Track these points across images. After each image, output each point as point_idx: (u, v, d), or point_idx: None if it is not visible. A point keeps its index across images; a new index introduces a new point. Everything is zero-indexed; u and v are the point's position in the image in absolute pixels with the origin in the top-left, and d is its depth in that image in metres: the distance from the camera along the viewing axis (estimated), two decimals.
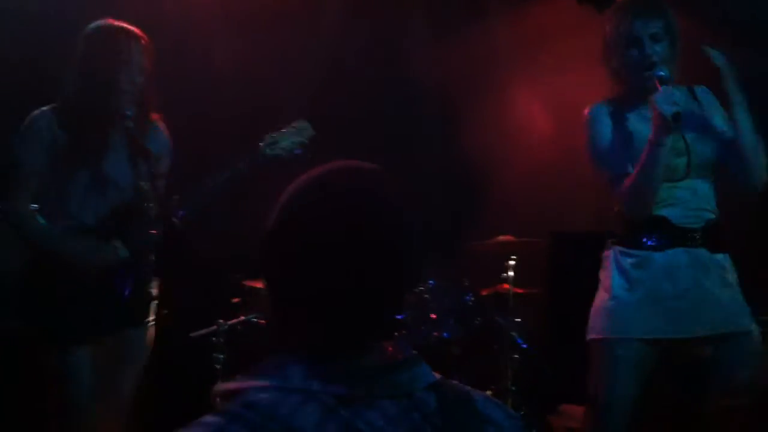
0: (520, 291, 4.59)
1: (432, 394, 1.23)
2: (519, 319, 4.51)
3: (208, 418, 1.15)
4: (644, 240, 2.77)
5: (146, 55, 3.01)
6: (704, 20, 3.06)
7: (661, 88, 2.66)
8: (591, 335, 2.83)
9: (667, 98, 2.63)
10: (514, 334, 4.42)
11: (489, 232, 4.62)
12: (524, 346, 4.41)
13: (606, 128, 2.85)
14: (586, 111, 2.92)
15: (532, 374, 4.49)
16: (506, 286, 4.57)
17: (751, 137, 2.76)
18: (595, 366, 2.80)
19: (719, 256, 2.79)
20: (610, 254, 2.86)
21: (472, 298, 4.47)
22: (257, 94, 4.76)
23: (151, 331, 3.13)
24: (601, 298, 2.84)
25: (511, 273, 4.57)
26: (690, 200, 2.77)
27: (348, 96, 5.03)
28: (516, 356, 4.43)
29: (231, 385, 1.20)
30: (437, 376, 1.27)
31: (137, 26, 3.06)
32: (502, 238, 4.56)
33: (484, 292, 4.60)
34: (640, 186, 2.70)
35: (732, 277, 2.80)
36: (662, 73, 2.69)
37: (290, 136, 3.24)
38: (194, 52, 4.67)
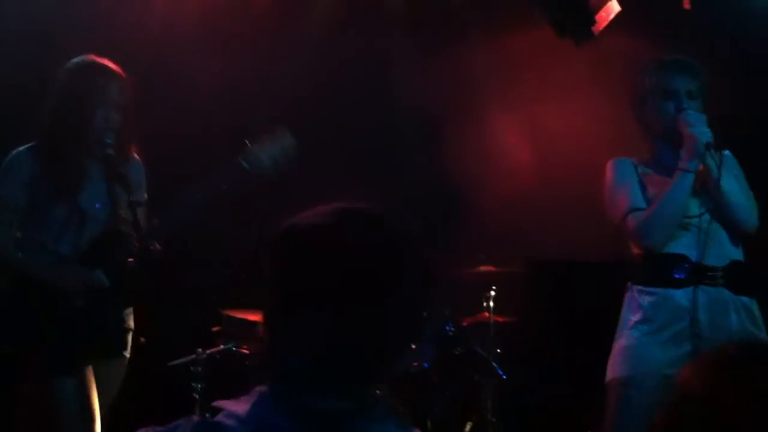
0: (500, 320, 4.59)
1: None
2: (499, 349, 4.51)
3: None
4: (665, 278, 2.75)
5: (124, 92, 3.04)
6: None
7: (691, 114, 2.69)
8: (609, 376, 2.80)
9: (700, 121, 2.66)
10: (494, 364, 4.41)
11: (469, 261, 4.62)
12: (504, 376, 4.39)
13: (629, 172, 2.86)
14: (609, 162, 2.93)
15: (512, 405, 4.48)
16: (486, 315, 4.57)
17: (736, 199, 2.79)
18: (612, 408, 2.76)
19: (744, 299, 2.78)
20: (629, 295, 2.84)
21: (453, 328, 4.46)
22: (238, 112, 4.76)
23: (125, 363, 3.13)
24: (620, 338, 2.81)
25: (491, 303, 4.57)
26: (714, 237, 2.76)
27: (328, 117, 5.04)
28: (496, 386, 4.41)
29: (218, 403, 1.22)
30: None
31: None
32: (482, 267, 4.57)
33: (465, 322, 4.59)
34: (664, 213, 2.71)
35: (757, 323, 2.78)
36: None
37: (270, 149, 3.16)
38: (175, 68, 4.67)
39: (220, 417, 1.20)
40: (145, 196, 3.20)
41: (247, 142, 3.16)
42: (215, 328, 4.27)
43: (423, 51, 5.29)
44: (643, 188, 2.83)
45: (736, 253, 2.79)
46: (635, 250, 2.84)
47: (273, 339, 1.26)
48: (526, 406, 4.55)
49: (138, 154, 3.22)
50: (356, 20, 5.15)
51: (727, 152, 2.85)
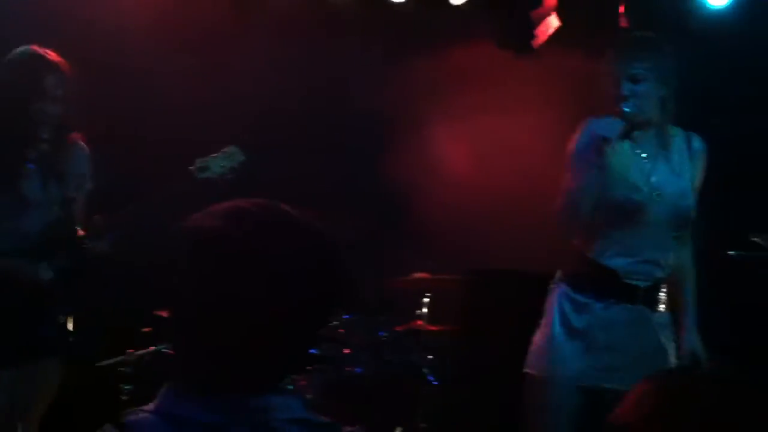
0: (434, 328, 4.61)
1: (294, 428, 1.23)
2: (432, 357, 4.53)
3: None
4: (588, 289, 2.81)
5: (64, 84, 3.00)
6: None
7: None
8: (527, 368, 2.86)
9: (606, 124, 2.71)
10: (426, 371, 4.43)
11: (405, 268, 4.64)
12: (436, 383, 4.42)
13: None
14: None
15: (443, 411, 4.50)
16: (420, 322, 4.59)
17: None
18: (529, 401, 2.82)
19: (658, 315, 2.85)
20: (555, 291, 2.90)
21: (387, 334, 4.47)
22: (194, 116, 4.72)
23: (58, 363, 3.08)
24: (541, 334, 2.87)
25: (425, 310, 4.59)
26: (648, 251, 2.81)
27: (274, 122, 5.02)
28: (427, 393, 4.44)
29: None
30: (313, 415, 1.27)
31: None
32: (418, 274, 4.59)
33: (399, 328, 4.61)
34: (576, 204, 2.75)
35: (669, 336, 2.86)
36: (626, 109, 2.76)
37: (220, 161, 3.26)
38: (131, 72, 4.63)
39: (128, 418, 1.22)
40: (89, 185, 3.17)
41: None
42: (146, 329, 4.21)
43: (370, 60, 5.31)
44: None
45: (666, 268, 2.86)
46: (574, 241, 2.88)
47: (177, 340, 1.27)
48: (456, 413, 4.58)
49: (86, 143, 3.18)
50: (307, 26, 5.15)
51: (696, 143, 2.93)
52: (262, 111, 4.94)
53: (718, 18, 4.90)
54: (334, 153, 5.21)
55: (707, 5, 4.84)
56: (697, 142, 2.95)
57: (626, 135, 2.74)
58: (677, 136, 2.92)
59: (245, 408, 1.22)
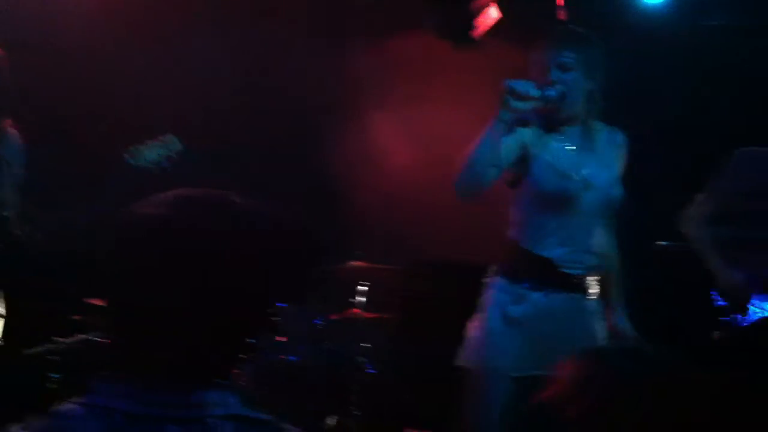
0: (370, 316, 4.61)
1: (230, 425, 1.21)
2: (367, 345, 4.53)
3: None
4: (526, 279, 2.84)
5: None
6: None
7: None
8: (462, 361, 2.87)
9: (522, 83, 2.72)
10: (361, 359, 4.43)
11: (343, 257, 4.63)
12: (371, 371, 4.42)
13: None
14: None
15: (377, 399, 4.51)
16: (356, 311, 4.58)
17: None
18: (467, 394, 2.83)
19: (592, 302, 2.90)
20: (491, 283, 2.91)
21: (322, 322, 4.45)
22: (130, 104, 4.64)
23: None
24: (478, 327, 2.88)
25: (362, 298, 4.59)
26: (581, 240, 2.86)
27: (213, 110, 4.97)
28: (362, 381, 4.44)
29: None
30: (249, 411, 1.25)
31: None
32: (355, 263, 4.58)
33: (335, 317, 4.60)
34: (470, 162, 2.75)
35: (601, 322, 2.91)
36: (551, 92, 2.79)
37: (155, 149, 3.21)
38: (65, 60, 4.53)
39: (57, 409, 1.20)
40: (21, 173, 3.09)
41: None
42: (76, 317, 4.12)
43: (309, 48, 5.27)
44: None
45: (600, 256, 2.90)
46: (508, 233, 2.91)
47: (114, 329, 1.25)
48: (391, 401, 4.59)
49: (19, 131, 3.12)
50: (245, 15, 5.09)
51: (618, 137, 2.99)
52: (198, 99, 4.88)
53: (654, 13, 4.98)
54: (271, 142, 5.17)
55: (643, 0, 4.92)
56: (620, 137, 3.04)
57: (551, 122, 2.79)
58: (601, 131, 2.98)
59: (181, 403, 1.19)
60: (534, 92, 2.73)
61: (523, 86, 2.72)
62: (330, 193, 5.17)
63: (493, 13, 4.65)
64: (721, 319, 3.49)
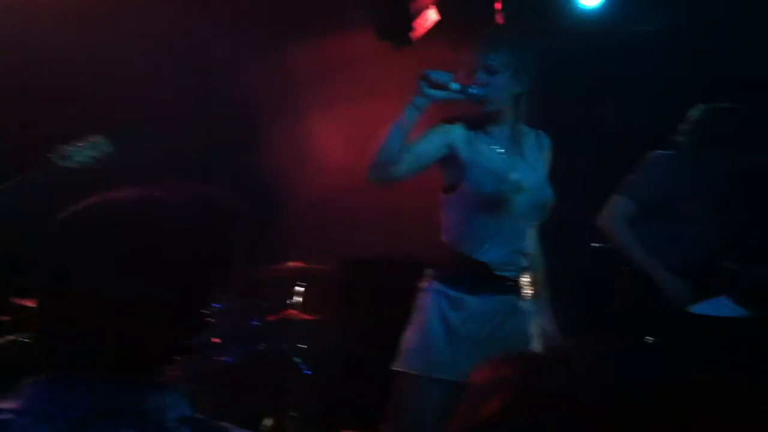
0: (307, 317, 4.59)
1: (187, 428, 1.19)
2: (304, 346, 4.51)
3: None
4: (462, 283, 2.85)
5: None
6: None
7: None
8: (400, 367, 2.85)
9: (440, 73, 2.76)
10: (298, 360, 4.40)
11: (279, 257, 4.60)
12: (307, 372, 4.40)
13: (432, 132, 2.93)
14: None
15: (313, 400, 4.49)
16: (293, 311, 4.56)
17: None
18: (400, 399, 2.82)
19: (526, 303, 2.92)
20: (428, 288, 2.91)
21: (258, 323, 4.42)
22: (61, 104, 4.53)
23: None
24: (414, 331, 2.87)
25: (299, 298, 4.56)
26: (514, 242, 2.88)
27: (148, 108, 4.88)
28: (299, 382, 4.41)
29: None
30: (198, 414, 1.23)
31: None
32: (292, 263, 4.55)
33: (271, 317, 4.56)
34: (383, 146, 2.77)
35: (535, 324, 2.94)
36: (474, 91, 2.82)
37: (84, 150, 3.15)
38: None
39: None
40: None
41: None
42: (4, 318, 4.02)
43: (248, 47, 5.22)
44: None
45: (531, 258, 2.94)
46: (442, 237, 2.92)
47: (44, 328, 1.21)
48: (328, 403, 4.57)
49: None
50: (183, 12, 5.02)
51: (544, 140, 3.03)
52: (136, 98, 4.80)
53: (590, 17, 5.05)
54: (208, 141, 5.11)
55: (579, 5, 4.99)
56: (546, 140, 3.08)
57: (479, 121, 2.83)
58: (529, 134, 3.02)
59: (137, 403, 1.17)
60: (454, 86, 2.78)
61: (440, 76, 2.76)
62: (268, 193, 5.13)
63: (432, 15, 4.68)
64: (656, 319, 3.60)
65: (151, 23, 4.95)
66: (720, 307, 3.52)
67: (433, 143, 2.87)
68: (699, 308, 3.52)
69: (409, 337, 2.88)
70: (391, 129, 2.76)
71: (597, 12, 5.03)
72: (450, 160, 2.90)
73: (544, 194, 2.95)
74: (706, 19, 4.94)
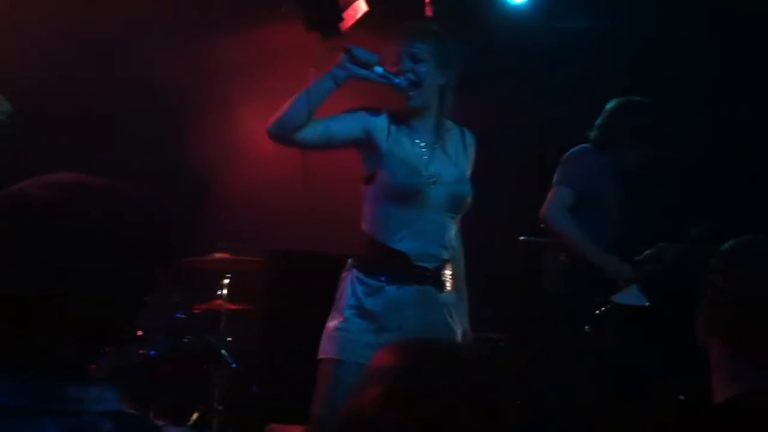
0: (234, 308, 4.55)
1: (109, 422, 1.17)
2: (230, 338, 4.47)
3: None
4: (381, 272, 2.86)
5: None
6: None
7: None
8: (320, 355, 2.86)
9: (365, 52, 2.78)
10: (224, 352, 4.36)
11: (205, 248, 4.55)
12: (234, 365, 4.36)
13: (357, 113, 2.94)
14: None
15: (240, 393, 4.46)
16: (219, 303, 4.51)
17: None
18: (320, 386, 2.83)
19: (446, 295, 2.94)
20: (347, 276, 2.92)
21: (183, 315, 4.36)
22: None
23: None
24: (333, 319, 2.88)
25: (225, 291, 4.52)
26: (433, 234, 2.89)
27: (71, 96, 4.78)
28: (225, 375, 4.37)
29: None
30: (128, 409, 1.21)
31: None
32: (217, 255, 4.51)
33: (197, 310, 4.51)
34: (292, 105, 2.77)
35: (456, 316, 2.96)
36: (398, 80, 2.83)
37: None
38: None
39: None
40: None
41: None
42: None
43: (176, 37, 5.15)
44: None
45: (451, 250, 2.96)
46: (363, 226, 2.93)
47: None
48: (254, 395, 4.55)
49: None
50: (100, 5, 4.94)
51: (468, 138, 3.05)
52: (59, 86, 4.70)
53: (517, 13, 5.12)
54: (134, 132, 5.03)
55: (507, 1, 5.05)
56: (470, 137, 3.10)
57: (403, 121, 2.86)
58: (452, 130, 3.05)
59: (58, 396, 1.14)
60: (378, 69, 2.80)
61: (364, 54, 2.79)
62: (194, 184, 5.08)
63: (361, 7, 4.67)
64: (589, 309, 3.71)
65: (74, 12, 4.84)
66: (632, 296, 3.65)
67: (348, 122, 2.88)
68: (620, 298, 3.63)
69: (328, 325, 2.89)
70: (302, 92, 2.76)
71: (524, 8, 5.11)
72: (368, 149, 2.92)
73: (461, 189, 2.97)
74: (630, 18, 5.06)
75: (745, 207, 4.55)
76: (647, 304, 3.63)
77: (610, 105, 3.84)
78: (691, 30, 4.98)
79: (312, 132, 2.81)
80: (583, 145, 3.85)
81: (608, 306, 3.61)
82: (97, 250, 1.17)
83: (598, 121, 3.83)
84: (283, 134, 2.81)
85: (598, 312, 3.61)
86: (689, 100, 4.80)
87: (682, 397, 3.46)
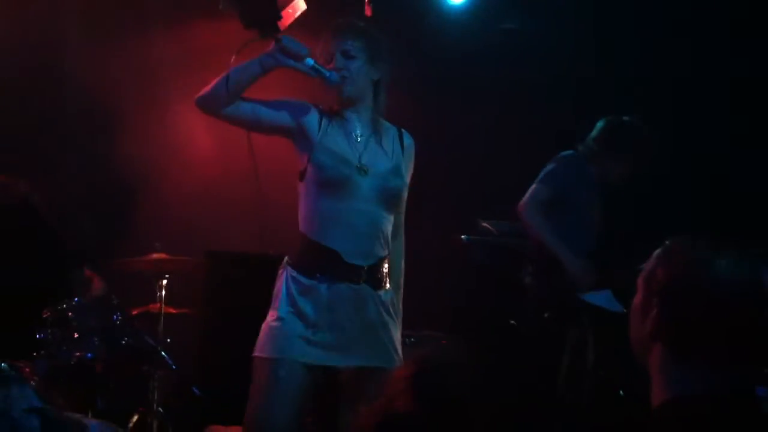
0: (172, 311, 4.50)
1: (36, 418, 1.16)
2: (170, 339, 4.42)
3: None
4: (314, 271, 2.85)
5: None
6: None
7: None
8: (255, 353, 2.85)
9: (296, 43, 2.86)
10: (163, 354, 4.31)
11: (142, 249, 4.49)
12: (174, 366, 4.32)
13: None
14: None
15: (180, 395, 4.41)
16: (158, 305, 4.46)
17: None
18: (255, 384, 2.82)
19: (383, 293, 2.93)
20: (282, 274, 2.91)
21: (120, 317, 4.29)
22: None
23: None
24: (269, 317, 2.87)
25: (163, 292, 4.47)
26: (366, 228, 2.88)
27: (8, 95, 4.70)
28: (165, 377, 4.32)
29: None
30: (45, 405, 1.20)
31: None
32: (155, 255, 4.45)
33: (135, 311, 4.45)
34: (215, 85, 2.83)
35: (392, 314, 2.95)
36: (328, 74, 2.87)
37: None
38: None
39: None
40: None
41: None
42: None
43: (108, 34, 5.08)
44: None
45: (387, 247, 2.96)
46: (298, 235, 2.92)
47: None
48: (194, 397, 4.50)
49: None
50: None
51: (407, 139, 3.06)
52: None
53: (455, 14, 5.16)
54: (71, 132, 4.96)
55: (447, 1, 5.09)
56: (408, 138, 3.11)
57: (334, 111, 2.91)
58: (390, 129, 3.06)
59: None
60: (309, 61, 2.86)
61: (295, 45, 2.86)
62: (130, 184, 5.02)
63: (300, 5, 4.66)
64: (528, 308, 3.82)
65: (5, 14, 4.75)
66: (603, 299, 3.83)
67: (279, 109, 2.91)
68: (589, 297, 3.81)
69: (265, 323, 2.88)
70: (229, 71, 2.81)
71: (463, 9, 5.15)
72: (300, 141, 2.92)
73: (394, 181, 2.95)
74: (566, 20, 5.14)
75: (716, 218, 4.66)
76: (624, 311, 3.76)
77: (600, 123, 4.13)
78: (633, 31, 5.08)
79: (236, 109, 2.88)
80: (574, 151, 4.10)
81: (577, 301, 3.78)
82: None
83: (590, 136, 4.11)
84: (206, 108, 2.90)
85: (562, 305, 3.78)
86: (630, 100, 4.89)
87: (621, 392, 3.54)
